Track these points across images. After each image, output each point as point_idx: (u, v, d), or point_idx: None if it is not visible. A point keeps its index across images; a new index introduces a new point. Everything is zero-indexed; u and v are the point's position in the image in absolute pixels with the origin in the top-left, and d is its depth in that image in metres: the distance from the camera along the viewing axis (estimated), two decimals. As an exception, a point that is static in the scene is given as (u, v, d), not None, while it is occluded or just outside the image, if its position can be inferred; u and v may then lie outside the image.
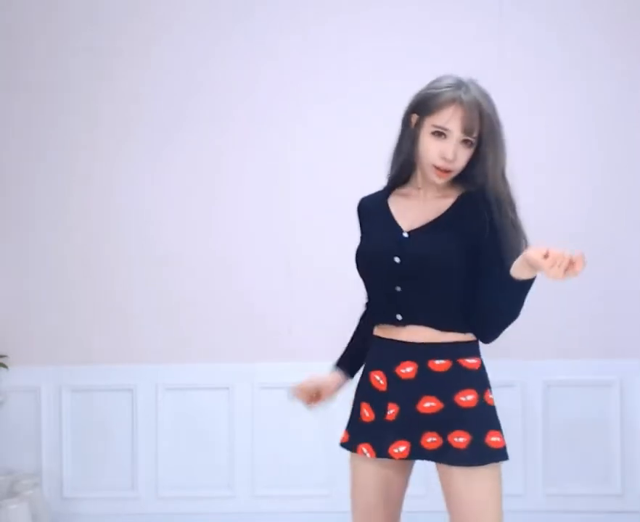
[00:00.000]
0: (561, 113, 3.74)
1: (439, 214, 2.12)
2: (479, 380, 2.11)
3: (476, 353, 2.13)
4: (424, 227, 2.11)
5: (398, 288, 2.09)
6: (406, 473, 2.20)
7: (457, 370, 2.08)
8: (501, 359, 3.71)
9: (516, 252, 2.03)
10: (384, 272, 2.10)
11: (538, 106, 3.74)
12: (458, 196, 2.13)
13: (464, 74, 2.11)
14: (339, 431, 3.92)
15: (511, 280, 1.99)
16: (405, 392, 2.08)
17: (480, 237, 2.06)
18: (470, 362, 2.10)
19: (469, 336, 2.12)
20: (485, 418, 2.08)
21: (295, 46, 3.79)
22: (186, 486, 3.80)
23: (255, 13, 3.80)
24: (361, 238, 2.23)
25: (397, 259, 2.08)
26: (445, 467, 2.07)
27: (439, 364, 2.07)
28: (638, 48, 3.72)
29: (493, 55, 3.73)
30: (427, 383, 2.07)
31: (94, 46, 3.83)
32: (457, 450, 2.03)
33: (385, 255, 2.10)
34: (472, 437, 2.04)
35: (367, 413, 2.14)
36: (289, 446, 3.75)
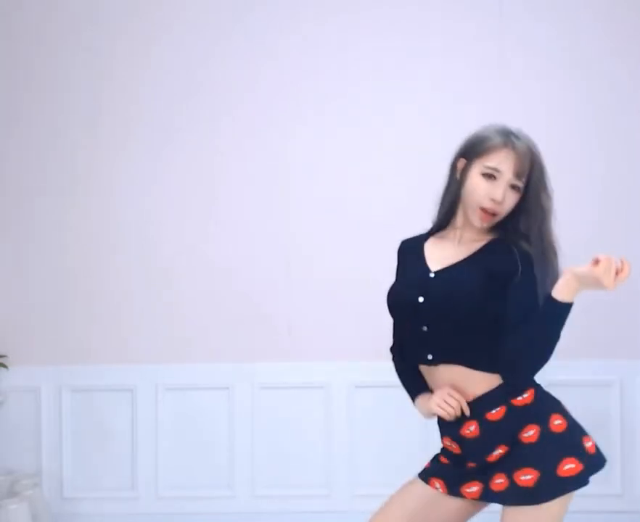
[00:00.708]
0: (561, 113, 3.74)
1: (470, 252, 2.12)
2: (537, 412, 2.08)
3: (522, 388, 2.10)
4: (451, 266, 2.12)
5: (425, 328, 2.10)
6: (464, 517, 2.20)
7: (513, 411, 2.06)
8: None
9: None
10: (409, 313, 2.12)
11: (538, 107, 3.74)
12: (492, 239, 2.14)
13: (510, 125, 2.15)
14: (340, 431, 3.92)
15: (546, 312, 1.98)
16: (477, 449, 2.09)
17: (509, 279, 2.04)
18: (521, 399, 2.07)
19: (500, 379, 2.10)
20: (554, 448, 2.04)
21: (295, 46, 3.79)
22: (186, 486, 3.80)
23: (254, 13, 3.80)
24: (395, 279, 2.27)
25: (420, 299, 2.09)
26: (512, 510, 2.03)
27: (496, 412, 2.06)
28: (638, 48, 3.72)
29: (493, 55, 3.73)
30: (491, 434, 2.06)
31: (94, 46, 3.83)
32: (524, 489, 2.00)
33: (409, 295, 2.12)
34: (539, 473, 2.00)
35: (445, 459, 2.20)
36: (289, 447, 3.75)
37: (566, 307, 1.99)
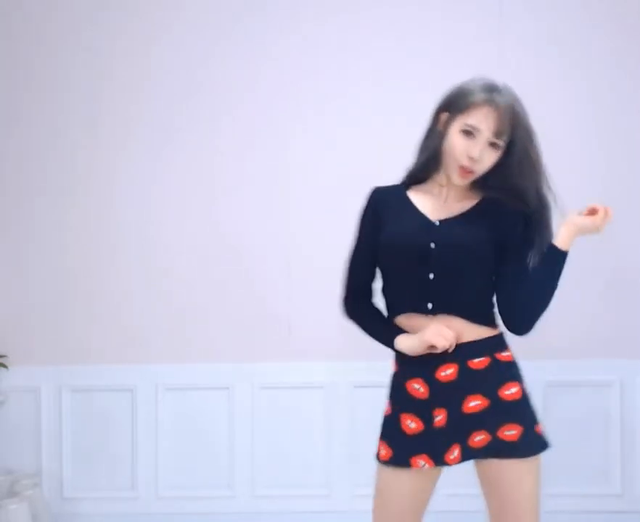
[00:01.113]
0: (561, 113, 3.73)
1: (463, 210, 2.13)
2: (518, 372, 2.16)
3: (507, 345, 2.18)
4: (452, 218, 2.11)
5: (431, 276, 2.07)
6: (437, 478, 2.19)
7: (496, 364, 2.11)
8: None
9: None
10: (418, 259, 2.07)
11: (538, 107, 3.72)
12: (482, 198, 2.15)
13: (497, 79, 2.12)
14: (340, 431, 3.92)
15: (551, 260, 2.06)
16: (449, 395, 2.08)
17: (507, 237, 2.10)
18: (505, 355, 2.14)
19: (498, 330, 2.16)
20: (532, 409, 2.15)
21: (295, 46, 3.78)
22: (186, 486, 3.80)
23: (254, 13, 3.80)
24: (382, 226, 2.17)
25: (432, 245, 2.06)
26: (494, 462, 2.07)
27: (478, 361, 2.09)
28: (638, 47, 3.72)
29: (493, 55, 3.73)
30: (469, 382, 2.07)
31: (94, 46, 3.83)
32: (509, 443, 2.06)
33: (420, 240, 2.08)
34: (523, 429, 2.08)
35: (413, 424, 2.11)
36: (289, 446, 3.74)
37: (566, 256, 2.10)
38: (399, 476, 2.12)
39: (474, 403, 2.07)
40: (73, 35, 3.84)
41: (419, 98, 3.90)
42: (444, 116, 2.11)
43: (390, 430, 2.15)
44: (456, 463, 2.08)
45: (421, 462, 2.08)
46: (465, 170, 2.06)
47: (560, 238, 2.08)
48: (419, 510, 2.18)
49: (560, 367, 3.73)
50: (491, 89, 2.05)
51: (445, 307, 2.09)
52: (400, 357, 2.15)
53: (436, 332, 2.04)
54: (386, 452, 2.15)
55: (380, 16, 3.77)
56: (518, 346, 3.69)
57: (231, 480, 3.79)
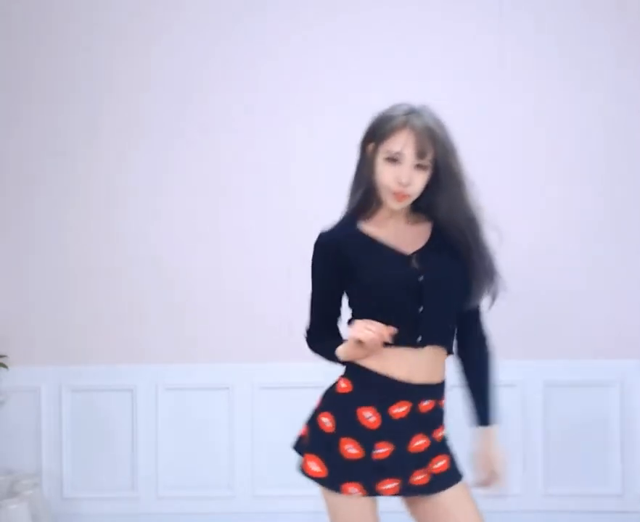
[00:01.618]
0: (561, 113, 3.74)
1: (427, 239, 2.15)
2: (444, 416, 2.21)
3: (445, 393, 2.20)
4: (424, 248, 2.12)
5: (420, 309, 2.08)
6: (375, 509, 2.17)
7: (436, 410, 2.15)
8: (501, 359, 3.71)
9: (483, 281, 2.13)
10: (409, 294, 2.07)
11: (538, 106, 3.74)
12: (433, 224, 2.17)
13: (417, 101, 2.18)
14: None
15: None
16: (399, 432, 2.08)
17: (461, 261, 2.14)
18: (443, 402, 2.18)
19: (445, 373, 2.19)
20: (449, 444, 2.21)
21: (295, 47, 3.78)
22: (186, 486, 3.80)
23: (255, 13, 3.80)
24: (355, 268, 2.12)
25: (421, 279, 2.07)
26: (432, 498, 2.12)
27: (426, 405, 2.11)
28: (639, 46, 3.72)
29: (493, 55, 3.73)
30: (416, 422, 2.10)
31: (94, 46, 3.83)
32: (443, 473, 2.13)
33: (409, 276, 2.07)
34: (449, 457, 2.16)
35: (353, 450, 2.08)
36: (289, 447, 3.74)
37: None
38: (341, 502, 2.11)
39: (420, 442, 2.11)
40: (73, 35, 3.84)
41: (420, 99, 3.91)
42: (370, 146, 2.13)
43: (326, 448, 2.12)
44: (392, 495, 2.10)
45: (354, 489, 2.07)
46: (399, 195, 2.08)
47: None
48: None
49: (560, 367, 3.73)
50: (408, 112, 2.10)
51: (432, 338, 2.10)
52: (358, 380, 2.12)
53: (361, 327, 2.03)
54: (321, 470, 2.11)
55: (380, 16, 3.77)
56: (518, 346, 3.71)
57: (231, 480, 3.79)
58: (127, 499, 3.81)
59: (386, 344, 2.07)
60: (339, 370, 2.25)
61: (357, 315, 2.15)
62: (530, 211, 3.74)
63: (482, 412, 2.21)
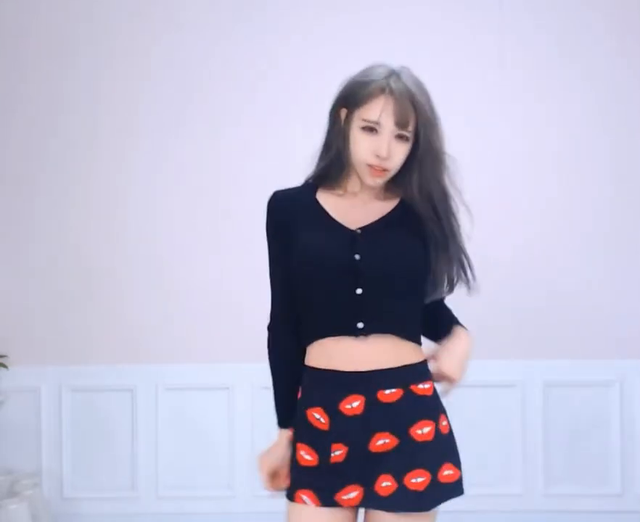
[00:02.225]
0: (561, 112, 3.74)
1: (383, 213, 1.88)
2: (433, 407, 1.86)
3: (428, 375, 1.88)
4: (374, 223, 1.86)
5: (359, 291, 1.81)
6: (355, 519, 1.90)
7: (411, 398, 1.82)
8: (501, 359, 3.72)
9: (452, 266, 1.87)
10: (342, 273, 1.81)
11: (538, 105, 3.74)
12: (401, 200, 1.91)
13: (397, 63, 1.96)
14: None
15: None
16: (352, 430, 1.81)
17: (426, 242, 1.87)
18: (423, 387, 1.84)
19: (421, 355, 1.89)
20: (441, 451, 1.84)
21: (296, 46, 3.78)
22: (186, 486, 3.80)
23: (255, 12, 3.80)
24: (292, 239, 1.91)
25: (357, 256, 1.81)
26: (398, 515, 1.78)
27: (389, 394, 1.80)
28: (637, 40, 3.72)
29: (493, 54, 3.73)
30: (377, 417, 1.80)
31: (94, 45, 3.83)
32: (415, 493, 1.78)
33: (342, 252, 1.81)
34: (430, 476, 1.80)
35: (308, 456, 1.85)
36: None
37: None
38: (300, 514, 1.88)
39: (382, 441, 1.79)
40: (73, 35, 3.84)
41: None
42: (342, 112, 1.87)
43: (291, 457, 1.93)
44: (353, 505, 1.82)
45: (305, 497, 1.84)
46: (376, 170, 1.82)
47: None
48: None
49: (560, 367, 3.73)
50: (387, 76, 1.85)
51: (378, 325, 1.81)
52: (305, 382, 1.92)
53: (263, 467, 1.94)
54: (286, 480, 1.95)
55: (380, 15, 3.76)
56: (518, 346, 3.71)
57: (231, 480, 3.79)
58: (127, 499, 3.81)
59: (325, 334, 1.85)
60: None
61: (300, 299, 1.93)
62: (529, 211, 3.74)
63: (454, 320, 1.96)
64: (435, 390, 1.89)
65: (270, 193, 1.98)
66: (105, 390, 3.82)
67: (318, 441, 1.84)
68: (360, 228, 1.85)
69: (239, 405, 3.79)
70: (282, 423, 2.02)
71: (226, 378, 3.79)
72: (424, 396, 1.85)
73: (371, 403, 1.80)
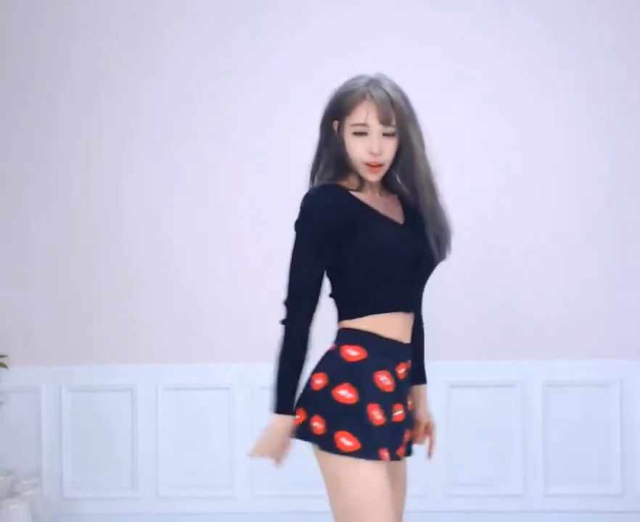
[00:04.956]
0: (562, 112, 3.74)
1: (401, 209, 2.20)
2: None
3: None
4: (407, 222, 2.17)
5: (416, 276, 2.16)
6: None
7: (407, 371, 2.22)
8: (501, 359, 3.72)
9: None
10: (409, 262, 2.12)
11: (538, 105, 3.74)
12: (398, 195, 2.23)
13: (374, 71, 2.15)
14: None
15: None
16: (404, 392, 2.17)
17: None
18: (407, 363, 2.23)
19: None
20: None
21: (299, 44, 3.78)
22: (186, 486, 3.80)
23: (258, 10, 3.79)
24: (355, 232, 2.10)
25: (418, 247, 2.13)
26: (403, 461, 2.21)
27: (409, 364, 2.19)
28: (638, 40, 3.72)
29: (493, 52, 3.73)
30: (408, 381, 2.20)
31: (95, 45, 3.83)
32: (408, 442, 2.23)
33: (409, 245, 2.12)
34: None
35: (378, 416, 2.06)
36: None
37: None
38: (373, 469, 2.03)
39: (410, 402, 2.22)
40: (73, 36, 3.84)
41: (421, 95, 3.91)
42: (335, 124, 2.15)
43: (354, 420, 2.06)
44: (399, 458, 2.17)
45: (386, 454, 2.07)
46: (373, 166, 2.10)
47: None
48: (398, 508, 2.20)
49: (560, 367, 3.73)
50: (366, 84, 2.10)
51: (417, 304, 2.23)
52: (369, 346, 2.11)
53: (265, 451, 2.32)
54: (353, 443, 2.03)
55: (381, 15, 3.77)
56: (519, 346, 3.71)
57: (231, 480, 3.79)
58: (127, 499, 3.81)
59: (387, 310, 2.12)
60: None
61: (346, 282, 2.16)
62: (529, 210, 3.74)
63: (422, 370, 2.32)
64: None
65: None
66: (105, 390, 3.82)
67: (385, 402, 2.10)
68: (405, 223, 2.16)
69: (239, 405, 3.79)
70: (290, 409, 2.28)
71: (226, 378, 3.80)
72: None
73: (407, 370, 2.17)
